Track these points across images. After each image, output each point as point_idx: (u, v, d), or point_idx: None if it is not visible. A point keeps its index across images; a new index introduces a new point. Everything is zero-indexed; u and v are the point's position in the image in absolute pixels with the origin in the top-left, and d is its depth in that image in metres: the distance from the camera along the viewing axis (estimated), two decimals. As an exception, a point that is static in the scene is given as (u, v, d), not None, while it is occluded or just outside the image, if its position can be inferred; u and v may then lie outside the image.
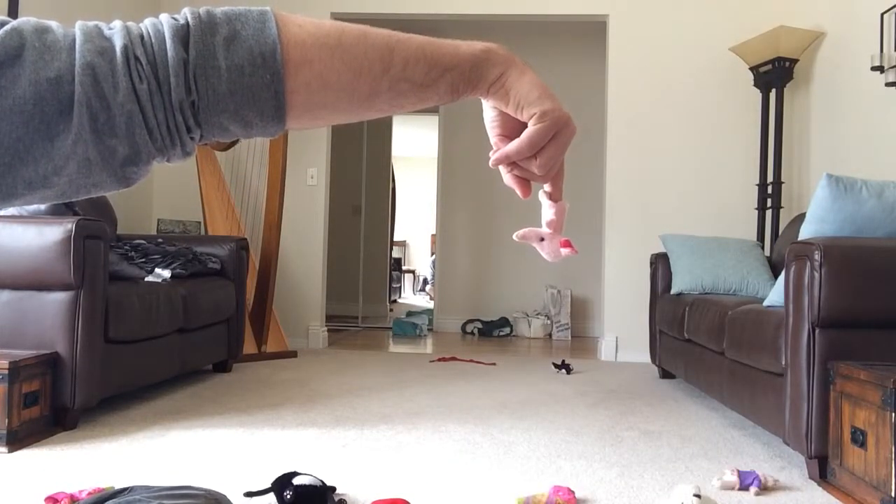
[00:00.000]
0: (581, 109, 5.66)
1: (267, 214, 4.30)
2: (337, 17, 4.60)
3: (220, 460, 2.19)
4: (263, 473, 2.00)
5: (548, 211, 0.66)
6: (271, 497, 1.81)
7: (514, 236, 0.66)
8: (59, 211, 2.78)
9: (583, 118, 5.54)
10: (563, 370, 3.99)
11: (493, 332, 5.96)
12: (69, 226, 2.48)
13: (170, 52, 0.48)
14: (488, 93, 0.60)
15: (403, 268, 11.89)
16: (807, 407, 2.09)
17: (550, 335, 5.94)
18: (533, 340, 5.75)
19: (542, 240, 0.66)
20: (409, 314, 6.56)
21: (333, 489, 1.86)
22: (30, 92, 0.45)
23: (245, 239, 4.03)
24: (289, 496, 1.76)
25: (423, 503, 1.85)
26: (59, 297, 2.49)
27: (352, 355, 4.56)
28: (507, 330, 6.00)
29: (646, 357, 4.16)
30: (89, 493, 1.74)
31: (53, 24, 0.48)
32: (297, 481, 1.79)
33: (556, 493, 1.85)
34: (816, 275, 2.07)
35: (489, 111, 0.64)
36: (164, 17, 0.50)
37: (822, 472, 2.08)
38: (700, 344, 3.10)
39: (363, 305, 7.08)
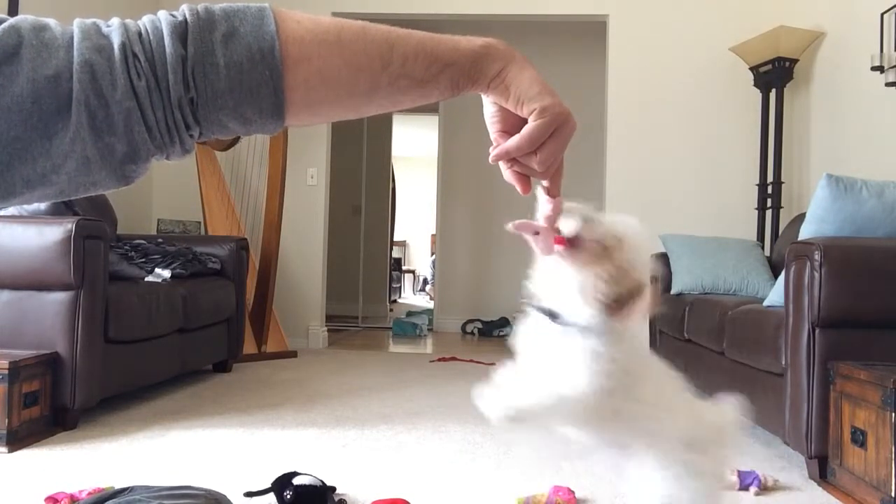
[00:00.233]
0: (581, 109, 5.62)
1: (267, 214, 4.29)
2: (338, 16, 4.59)
3: (220, 460, 2.19)
4: (263, 473, 2.00)
5: (545, 206, 0.66)
6: (271, 497, 1.81)
7: (509, 225, 0.66)
8: (59, 211, 2.78)
9: (583, 118, 5.50)
10: (564, 370, 3.99)
11: (493, 332, 5.96)
12: (69, 226, 2.48)
13: (168, 49, 0.48)
14: (488, 88, 0.60)
15: (403, 268, 11.89)
16: (807, 407, 2.09)
17: (550, 335, 5.93)
18: (533, 340, 5.74)
19: (537, 234, 0.66)
20: (409, 314, 6.56)
21: (333, 489, 1.86)
22: (28, 89, 0.45)
23: (245, 239, 4.03)
24: (289, 496, 1.75)
25: (423, 503, 1.85)
26: (59, 297, 2.49)
27: (352, 355, 4.56)
28: (507, 330, 5.99)
29: (646, 357, 4.14)
30: (89, 493, 1.74)
31: (51, 21, 0.48)
32: (297, 481, 1.79)
33: (556, 493, 1.84)
34: (816, 275, 2.06)
35: (489, 106, 0.64)
36: (163, 14, 0.50)
37: (822, 472, 2.08)
38: (700, 344, 3.10)
39: (363, 305, 7.08)
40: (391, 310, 8.06)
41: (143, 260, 3.32)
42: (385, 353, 4.87)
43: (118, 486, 1.66)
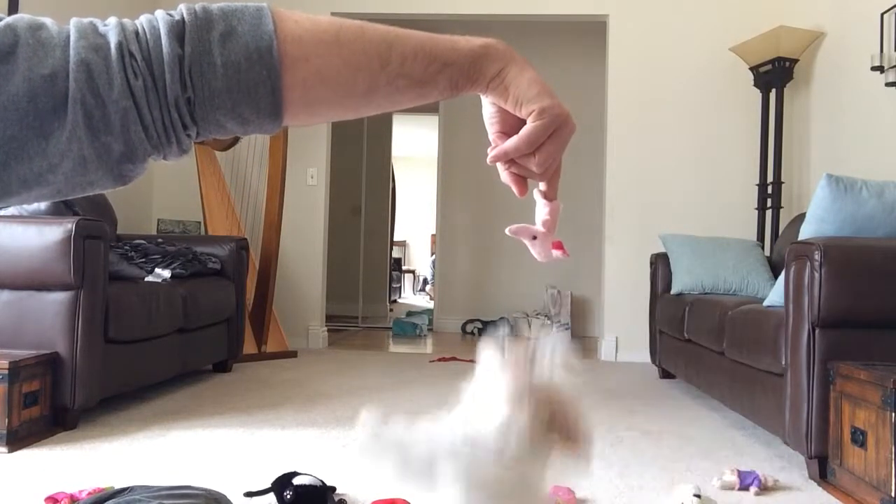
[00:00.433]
0: (581, 109, 5.64)
1: (267, 214, 4.29)
2: (337, 15, 4.59)
3: (220, 460, 2.19)
4: (263, 473, 2.00)
5: (542, 210, 0.65)
6: (271, 497, 1.81)
7: (506, 230, 0.65)
8: (59, 211, 2.78)
9: (583, 118, 5.52)
10: (564, 370, 3.98)
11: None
12: (69, 226, 2.48)
13: (165, 49, 0.48)
14: (487, 88, 0.60)
15: (403, 268, 11.88)
16: (807, 407, 2.08)
17: (551, 335, 5.93)
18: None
19: (535, 238, 0.66)
20: (409, 314, 6.56)
21: (333, 489, 1.86)
22: (24, 89, 0.45)
23: (245, 239, 4.03)
24: (289, 496, 1.75)
25: (423, 503, 1.84)
26: (59, 297, 2.49)
27: (352, 355, 4.56)
28: (508, 330, 5.99)
29: (646, 357, 4.15)
30: (89, 493, 1.74)
31: (48, 20, 0.48)
32: (297, 481, 1.79)
33: (556, 493, 1.84)
34: (816, 275, 2.06)
35: (488, 107, 0.63)
36: (160, 14, 0.50)
37: (822, 472, 2.08)
38: (700, 344, 3.10)
39: (363, 305, 7.08)
40: (391, 310, 8.06)
41: (143, 260, 3.32)
42: (385, 353, 4.87)
43: (118, 486, 1.66)
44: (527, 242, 0.67)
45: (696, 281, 3.55)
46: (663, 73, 4.61)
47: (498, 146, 0.62)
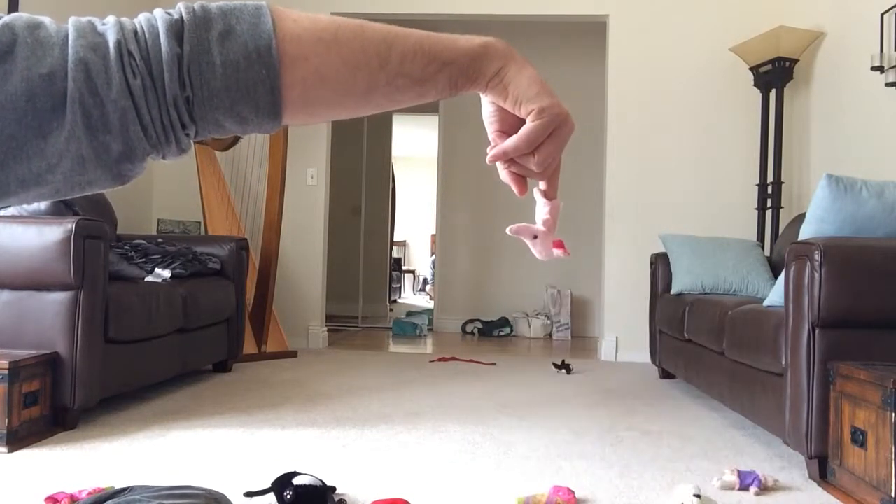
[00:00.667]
0: (581, 109, 5.65)
1: (267, 214, 4.29)
2: (336, 15, 4.60)
3: (220, 460, 2.19)
4: (263, 473, 2.00)
5: (542, 209, 0.65)
6: (271, 497, 1.81)
7: (507, 230, 0.65)
8: (59, 211, 2.78)
9: (583, 118, 5.54)
10: (564, 370, 3.99)
11: (493, 332, 5.95)
12: (69, 226, 2.48)
13: (164, 48, 0.48)
14: (487, 88, 0.60)
15: (403, 268, 11.88)
16: (807, 407, 2.08)
17: (550, 335, 5.94)
18: (533, 340, 5.74)
19: (536, 237, 0.66)
20: (409, 314, 6.56)
21: (333, 489, 1.86)
22: (22, 88, 0.45)
23: (245, 239, 4.03)
24: (289, 496, 1.75)
25: (423, 503, 1.84)
26: (59, 297, 2.49)
27: (352, 355, 4.56)
28: (507, 330, 5.99)
29: (646, 357, 4.15)
30: (89, 493, 1.74)
31: (46, 19, 0.48)
32: (297, 481, 1.79)
33: (556, 493, 1.84)
34: (816, 275, 2.06)
35: (488, 106, 0.63)
36: (159, 13, 0.50)
37: (822, 472, 2.08)
38: (700, 344, 3.10)
39: (363, 305, 7.08)
40: (391, 310, 8.06)
41: (143, 260, 3.32)
42: (385, 353, 4.87)
43: (118, 486, 1.66)
44: (527, 242, 0.67)
45: (696, 281, 3.55)
46: (663, 74, 4.61)
47: (497, 145, 0.62)
